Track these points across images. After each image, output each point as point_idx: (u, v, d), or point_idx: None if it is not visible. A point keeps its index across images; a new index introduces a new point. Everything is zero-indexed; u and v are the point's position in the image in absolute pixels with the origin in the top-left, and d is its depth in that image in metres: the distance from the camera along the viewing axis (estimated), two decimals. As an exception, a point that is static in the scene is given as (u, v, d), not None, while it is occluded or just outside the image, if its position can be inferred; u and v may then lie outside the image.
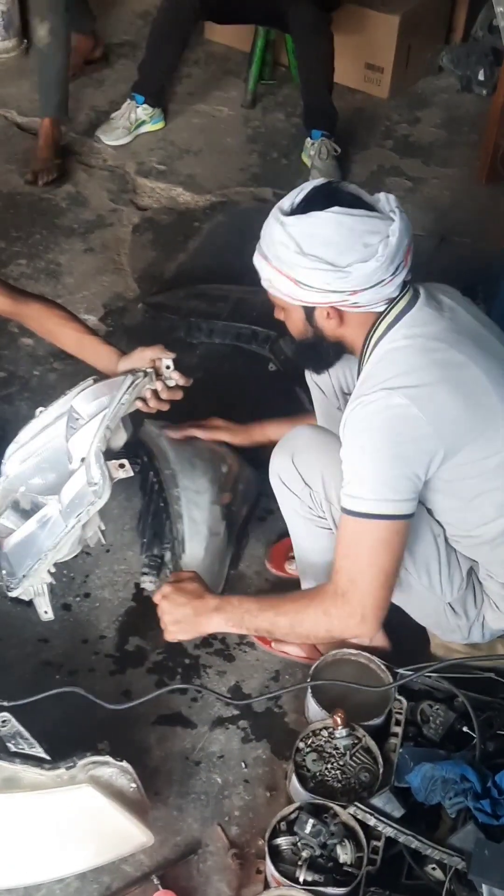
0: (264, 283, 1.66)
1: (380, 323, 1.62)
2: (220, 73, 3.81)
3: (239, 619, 1.70)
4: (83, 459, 1.79)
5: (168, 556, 2.01)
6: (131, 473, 1.80)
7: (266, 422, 2.11)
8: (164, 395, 1.88)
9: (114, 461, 1.78)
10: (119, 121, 3.40)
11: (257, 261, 1.65)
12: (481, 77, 3.71)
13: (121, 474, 1.78)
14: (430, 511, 1.69)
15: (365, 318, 1.63)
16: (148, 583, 2.02)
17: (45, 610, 1.89)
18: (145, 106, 3.40)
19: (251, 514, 2.18)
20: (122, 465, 1.78)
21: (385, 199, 1.62)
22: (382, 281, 1.57)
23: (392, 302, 1.62)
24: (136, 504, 2.24)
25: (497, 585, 1.74)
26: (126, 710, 1.69)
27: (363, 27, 3.55)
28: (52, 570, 1.84)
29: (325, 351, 1.71)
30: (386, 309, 1.62)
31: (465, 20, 3.88)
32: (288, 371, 2.50)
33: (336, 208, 1.55)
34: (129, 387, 1.83)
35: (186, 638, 1.79)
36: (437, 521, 1.70)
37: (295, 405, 2.35)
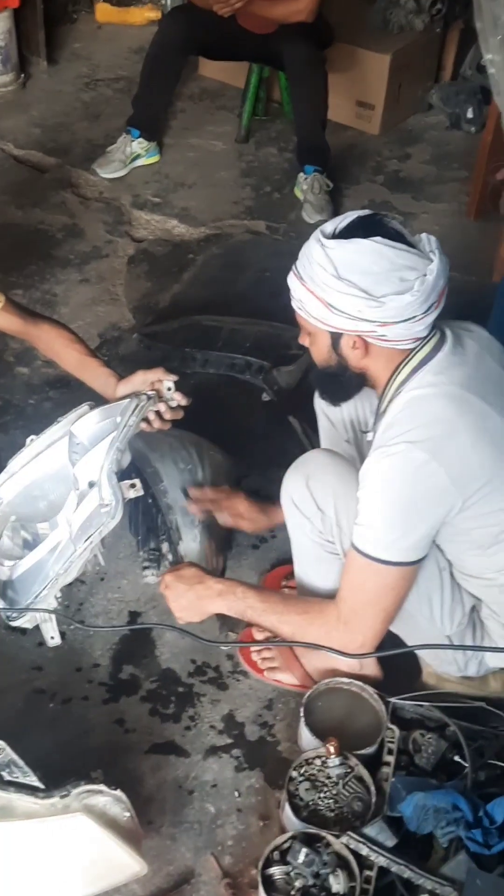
0: (294, 304, 1.65)
1: (404, 365, 1.62)
2: (214, 108, 3.88)
3: (241, 611, 1.76)
4: (91, 483, 1.82)
5: (165, 547, 2.09)
6: (141, 492, 1.86)
7: None
8: (167, 416, 1.94)
9: (125, 481, 1.83)
10: (115, 154, 3.45)
11: (291, 280, 1.64)
12: (470, 115, 3.79)
13: (131, 494, 1.84)
14: (440, 547, 1.69)
15: (390, 354, 1.63)
16: (150, 576, 2.12)
17: (51, 636, 1.91)
18: (140, 140, 3.46)
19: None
20: (132, 485, 1.84)
21: (426, 240, 1.62)
22: (414, 317, 1.56)
23: (419, 343, 1.61)
24: (130, 533, 2.26)
25: (498, 626, 1.76)
26: (119, 738, 1.69)
27: (355, 65, 3.63)
28: (59, 595, 1.86)
29: (346, 381, 1.71)
30: (412, 350, 1.62)
31: (455, 59, 3.97)
32: (281, 401, 2.53)
33: (378, 238, 1.56)
34: (135, 409, 1.87)
35: (196, 620, 1.83)
36: (444, 555, 1.71)
37: (288, 435, 2.38)
